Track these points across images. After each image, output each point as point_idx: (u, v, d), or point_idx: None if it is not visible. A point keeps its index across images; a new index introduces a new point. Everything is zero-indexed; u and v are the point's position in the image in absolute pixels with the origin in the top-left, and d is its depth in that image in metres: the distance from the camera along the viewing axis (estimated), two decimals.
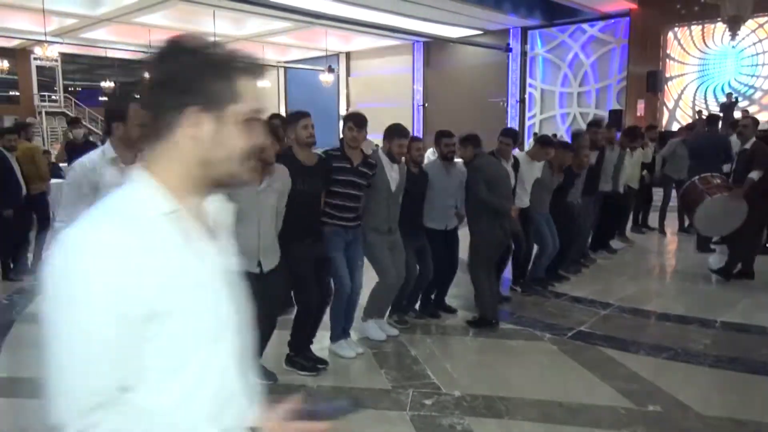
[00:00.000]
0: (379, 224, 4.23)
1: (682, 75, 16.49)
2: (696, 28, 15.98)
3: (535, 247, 5.80)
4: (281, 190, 3.45)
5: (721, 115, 11.89)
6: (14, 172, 6.08)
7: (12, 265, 6.37)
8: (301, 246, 3.69)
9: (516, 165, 5.28)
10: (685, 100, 16.48)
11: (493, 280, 4.91)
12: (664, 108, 16.72)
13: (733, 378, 3.79)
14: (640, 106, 16.72)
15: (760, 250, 6.23)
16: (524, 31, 19.38)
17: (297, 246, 3.65)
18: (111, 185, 2.49)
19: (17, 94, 23.96)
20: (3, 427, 3.17)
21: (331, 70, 23.11)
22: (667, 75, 16.63)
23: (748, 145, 5.98)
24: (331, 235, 3.99)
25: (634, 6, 16.53)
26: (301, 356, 3.90)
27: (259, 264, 3.36)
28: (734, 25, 12.07)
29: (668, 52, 16.56)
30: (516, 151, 5.92)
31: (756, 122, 6.51)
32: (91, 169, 2.56)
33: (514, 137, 5.40)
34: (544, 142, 5.62)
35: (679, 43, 16.41)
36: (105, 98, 26.79)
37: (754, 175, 5.71)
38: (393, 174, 4.24)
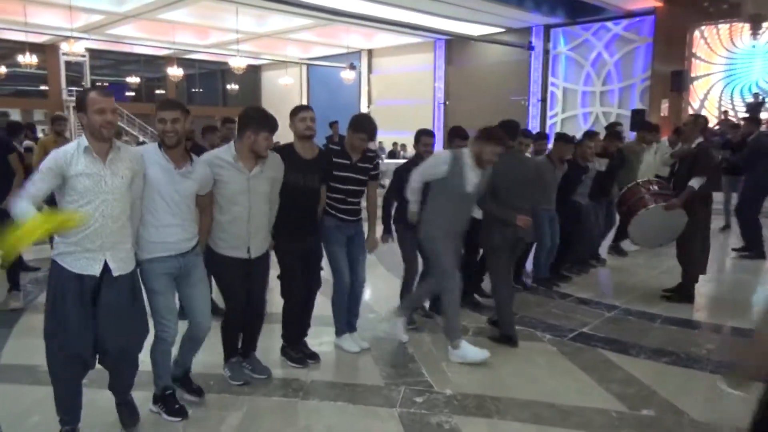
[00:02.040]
0: (441, 224, 4.05)
1: (708, 74, 16.16)
2: (723, 27, 15.64)
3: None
4: (273, 177, 3.48)
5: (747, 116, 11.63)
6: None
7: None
8: (291, 238, 3.72)
9: None
10: (710, 100, 16.14)
11: (513, 292, 4.60)
12: (689, 108, 16.38)
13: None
14: (664, 106, 16.43)
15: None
16: (547, 29, 19.17)
17: (286, 238, 3.69)
18: (82, 173, 2.62)
19: (46, 88, 24.48)
20: (3, 412, 3.25)
21: (352, 67, 23.15)
22: (693, 74, 16.30)
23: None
24: (333, 230, 4.01)
25: (659, 4, 16.24)
26: (292, 348, 3.93)
27: (248, 250, 3.40)
28: (756, 23, 11.77)
29: (694, 51, 16.23)
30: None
31: (699, 121, 5.76)
32: (63, 158, 2.64)
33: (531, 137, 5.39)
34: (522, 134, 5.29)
35: (706, 42, 16.07)
36: (132, 93, 27.28)
37: (695, 183, 5.07)
38: (472, 176, 4.02)
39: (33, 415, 3.22)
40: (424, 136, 4.71)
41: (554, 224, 5.69)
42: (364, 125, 3.91)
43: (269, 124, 3.31)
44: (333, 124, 11.63)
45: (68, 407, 2.88)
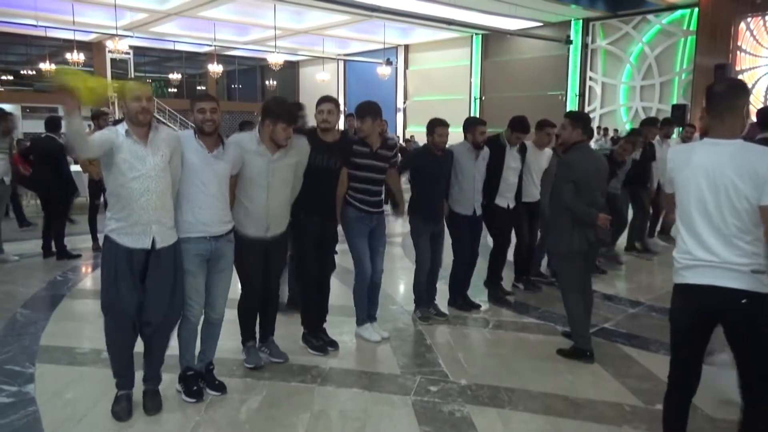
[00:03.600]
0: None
1: (754, 68, 15.63)
2: None
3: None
4: (296, 161, 3.63)
5: None
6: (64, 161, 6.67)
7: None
8: (308, 222, 3.85)
9: (523, 152, 5.12)
10: (756, 94, 15.61)
11: (589, 301, 4.11)
12: None
13: None
14: None
15: None
16: (586, 22, 18.86)
17: (304, 221, 3.83)
18: (126, 152, 2.90)
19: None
20: (41, 389, 3.46)
21: (389, 62, 23.22)
22: (737, 68, 15.80)
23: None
24: (355, 221, 4.11)
25: None
26: (312, 335, 4.06)
27: (267, 230, 3.55)
28: None
29: (739, 43, 15.72)
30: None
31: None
32: (114, 133, 2.95)
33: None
34: (539, 123, 5.34)
35: (752, 34, 15.55)
36: (174, 89, 27.95)
37: None
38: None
39: (68, 392, 3.43)
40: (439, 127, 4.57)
41: None
42: (360, 106, 4.11)
43: (287, 115, 3.43)
44: (349, 117, 11.55)
45: (123, 373, 3.17)
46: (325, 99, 3.90)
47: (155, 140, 2.99)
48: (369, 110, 4.04)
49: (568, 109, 19.41)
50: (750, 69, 15.71)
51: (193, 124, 3.29)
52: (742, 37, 15.71)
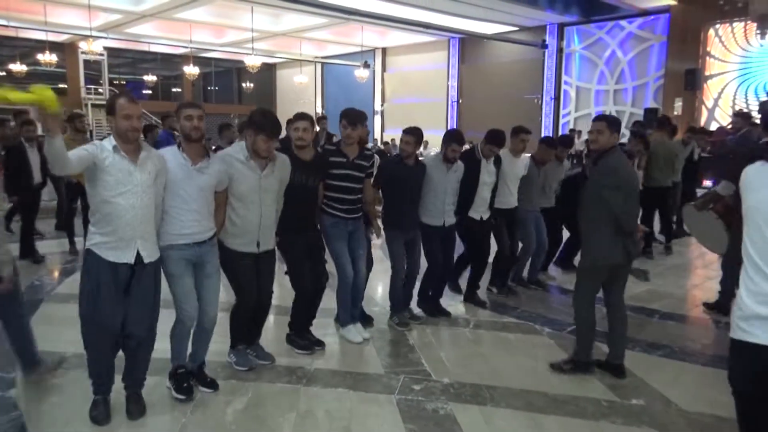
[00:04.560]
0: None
1: (722, 73, 16.03)
2: (738, 25, 15.50)
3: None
4: (282, 177, 3.67)
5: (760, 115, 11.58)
6: (29, 162, 6.56)
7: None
8: (294, 233, 3.89)
9: (498, 162, 5.13)
10: (724, 99, 16.01)
11: (621, 317, 3.89)
12: (703, 107, 16.30)
13: (724, 377, 3.78)
14: (678, 104, 16.33)
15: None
16: (561, 27, 19.14)
17: (290, 233, 3.87)
18: (112, 168, 2.87)
19: (65, 86, 24.91)
20: (26, 393, 3.44)
21: (366, 65, 23.27)
22: (707, 73, 16.18)
23: None
24: (333, 227, 4.16)
25: (674, 2, 16.14)
26: (299, 336, 4.11)
27: (258, 245, 3.57)
28: (763, 23, 11.71)
29: (708, 49, 16.11)
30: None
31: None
32: (99, 148, 2.93)
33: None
34: (514, 130, 5.36)
35: (721, 41, 15.94)
36: (149, 91, 27.65)
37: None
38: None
39: (51, 396, 3.42)
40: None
41: (540, 226, 5.70)
42: (346, 112, 4.12)
43: (268, 128, 3.42)
44: (321, 120, 11.34)
45: (102, 379, 3.16)
46: (301, 117, 3.90)
47: (144, 158, 3.00)
48: (360, 118, 4.11)
49: (543, 113, 19.71)
50: (719, 74, 16.11)
51: (171, 129, 3.33)
52: (711, 43, 16.10)
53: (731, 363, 2.11)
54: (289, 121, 4.30)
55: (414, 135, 4.50)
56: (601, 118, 3.74)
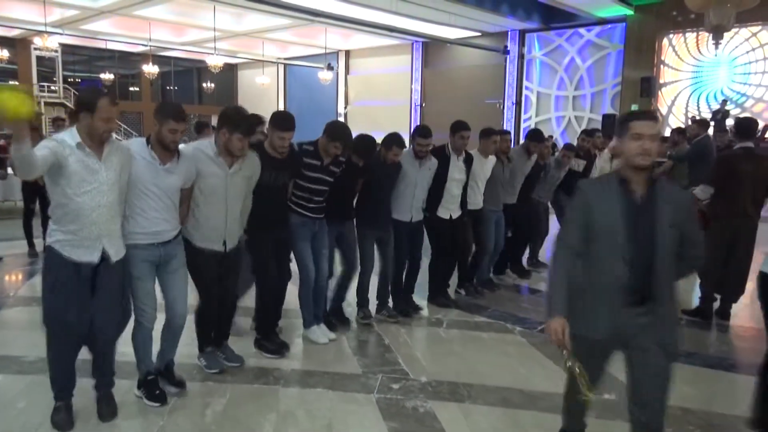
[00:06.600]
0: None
1: (675, 81, 16.64)
2: (690, 36, 16.13)
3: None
4: (250, 175, 3.62)
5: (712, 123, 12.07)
6: None
7: None
8: (263, 230, 3.88)
9: (469, 161, 5.16)
10: (678, 106, 16.63)
11: None
12: (658, 114, 16.87)
13: (689, 371, 3.94)
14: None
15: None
16: (522, 33, 19.53)
17: (259, 230, 3.85)
18: (76, 164, 2.74)
19: (17, 83, 24.07)
20: None
21: (330, 68, 23.24)
22: (661, 81, 16.78)
23: None
24: (299, 226, 4.16)
25: (630, 12, 16.68)
26: (266, 339, 4.08)
27: (224, 243, 3.53)
28: (717, 34, 12.23)
29: (663, 58, 16.71)
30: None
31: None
32: (60, 143, 2.76)
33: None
34: (485, 132, 5.38)
35: (674, 50, 16.56)
36: (105, 90, 26.90)
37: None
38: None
39: (19, 401, 3.30)
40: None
41: (500, 226, 5.73)
42: (341, 134, 4.08)
43: (244, 126, 3.38)
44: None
45: (64, 385, 3.05)
46: (289, 128, 3.80)
47: (109, 154, 2.89)
48: (347, 136, 4.13)
49: (504, 117, 20.05)
50: (672, 82, 16.72)
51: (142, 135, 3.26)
52: (666, 52, 16.70)
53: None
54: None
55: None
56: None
